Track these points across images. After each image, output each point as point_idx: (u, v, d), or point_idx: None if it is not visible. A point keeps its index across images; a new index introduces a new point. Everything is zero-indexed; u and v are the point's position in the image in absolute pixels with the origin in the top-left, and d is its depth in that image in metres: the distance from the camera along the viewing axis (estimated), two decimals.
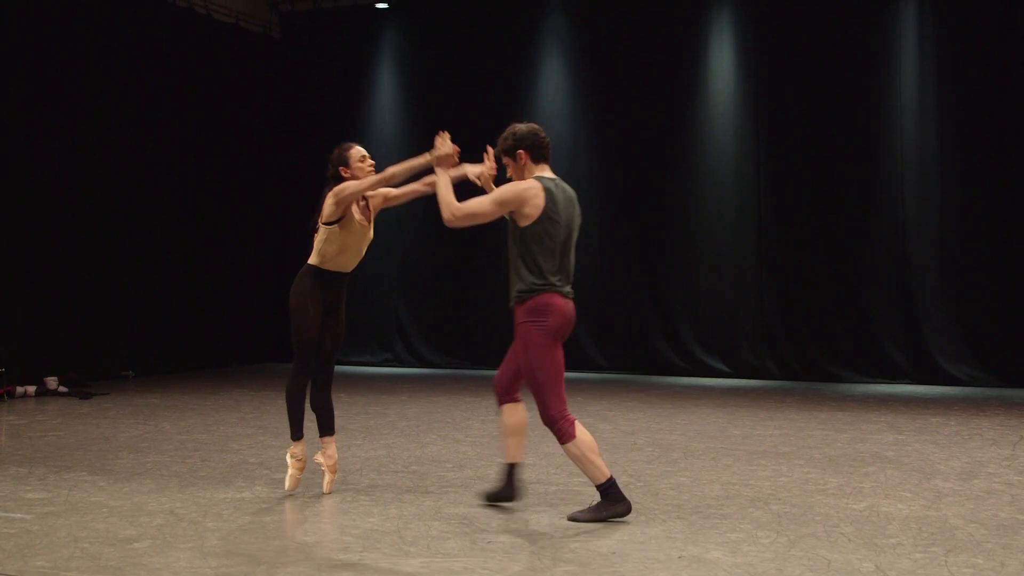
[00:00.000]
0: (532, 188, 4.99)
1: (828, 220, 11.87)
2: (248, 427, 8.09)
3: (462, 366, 13.21)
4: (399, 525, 4.89)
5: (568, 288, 5.09)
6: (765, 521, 4.96)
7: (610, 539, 4.61)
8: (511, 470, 5.35)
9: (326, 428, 5.66)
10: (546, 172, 5.13)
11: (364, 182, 5.41)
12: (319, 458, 5.62)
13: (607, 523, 4.91)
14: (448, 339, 13.44)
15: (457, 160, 5.30)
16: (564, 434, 4.98)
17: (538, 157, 5.13)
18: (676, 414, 9.01)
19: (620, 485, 5.09)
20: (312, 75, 14.23)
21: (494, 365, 14.38)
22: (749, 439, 7.57)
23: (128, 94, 11.98)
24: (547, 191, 5.00)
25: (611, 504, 4.99)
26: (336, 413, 5.78)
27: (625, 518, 4.99)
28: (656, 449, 7.12)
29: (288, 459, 5.59)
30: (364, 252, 5.66)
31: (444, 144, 5.25)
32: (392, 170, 5.40)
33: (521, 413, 5.33)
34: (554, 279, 5.00)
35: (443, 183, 5.14)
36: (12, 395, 9.96)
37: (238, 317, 13.53)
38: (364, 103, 13.99)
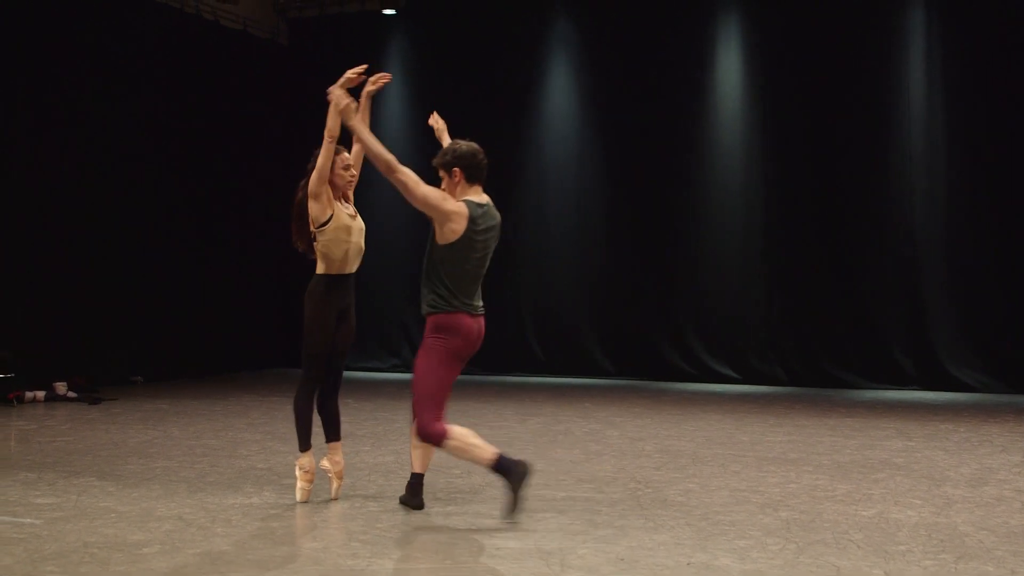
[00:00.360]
0: (459, 213, 5.00)
1: (836, 226, 11.86)
2: (257, 433, 8.10)
3: (469, 371, 13.12)
4: (407, 531, 4.89)
5: (477, 303, 5.15)
6: (774, 528, 4.95)
7: (619, 545, 4.60)
8: (417, 479, 5.40)
9: (333, 434, 5.65)
10: (478, 195, 5.14)
11: (321, 158, 5.42)
12: (325, 464, 5.61)
13: (615, 529, 4.89)
14: None
15: (355, 103, 5.28)
16: (438, 435, 5.00)
17: (473, 178, 5.14)
18: (684, 420, 9.00)
19: (627, 491, 5.07)
20: (319, 81, 14.04)
21: (502, 370, 14.33)
22: (758, 445, 7.56)
23: (135, 100, 12.01)
24: (471, 220, 5.02)
25: (510, 475, 4.97)
26: (344, 419, 5.78)
27: (634, 524, 4.98)
28: (664, 455, 7.11)
29: (296, 471, 5.59)
30: (363, 247, 5.68)
31: (338, 96, 5.21)
32: (328, 131, 5.41)
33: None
34: (464, 298, 5.07)
35: (363, 133, 5.10)
36: (21, 400, 9.98)
37: (246, 323, 13.56)
38: (371, 109, 13.96)
